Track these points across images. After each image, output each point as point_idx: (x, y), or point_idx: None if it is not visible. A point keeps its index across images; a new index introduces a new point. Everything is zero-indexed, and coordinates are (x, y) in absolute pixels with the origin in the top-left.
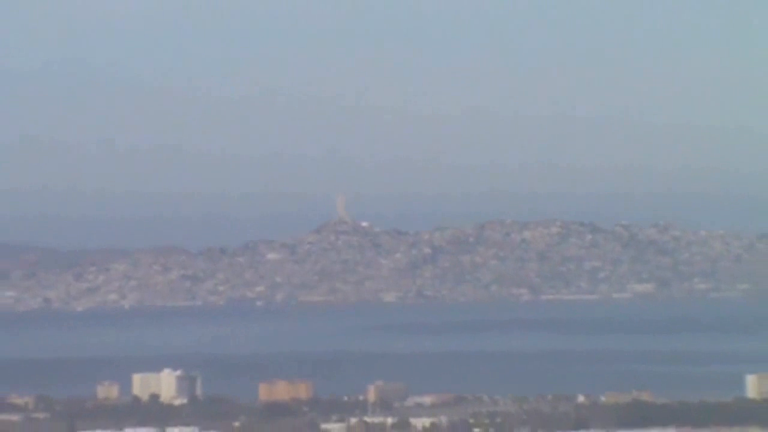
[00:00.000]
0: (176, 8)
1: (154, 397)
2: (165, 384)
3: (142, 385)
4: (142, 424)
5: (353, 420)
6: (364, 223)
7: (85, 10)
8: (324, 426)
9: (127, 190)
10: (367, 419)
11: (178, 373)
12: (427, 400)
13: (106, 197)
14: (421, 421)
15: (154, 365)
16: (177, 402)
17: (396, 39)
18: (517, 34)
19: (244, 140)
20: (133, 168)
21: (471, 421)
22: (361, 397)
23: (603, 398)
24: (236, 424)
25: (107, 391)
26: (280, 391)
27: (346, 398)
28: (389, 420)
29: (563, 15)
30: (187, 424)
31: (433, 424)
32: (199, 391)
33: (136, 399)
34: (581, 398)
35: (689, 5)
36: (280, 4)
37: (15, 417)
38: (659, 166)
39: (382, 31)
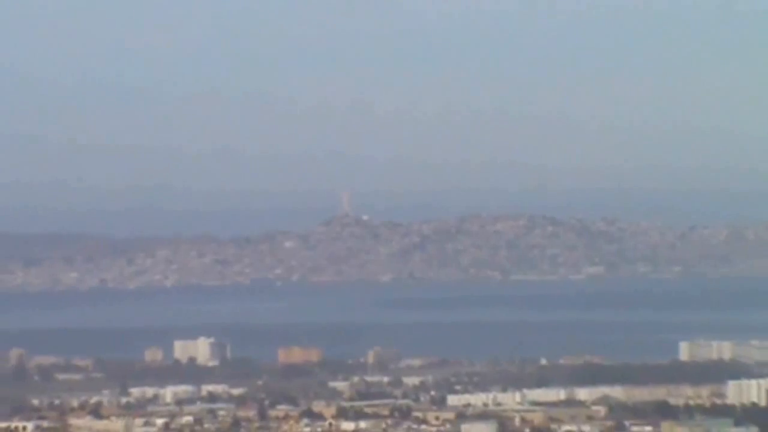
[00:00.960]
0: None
1: (192, 360)
2: (200, 349)
3: (181, 350)
4: (181, 382)
5: (355, 379)
6: (365, 217)
7: None
8: (331, 384)
9: (167, 187)
10: (367, 378)
11: (211, 340)
12: (416, 362)
13: (151, 193)
14: (411, 380)
15: (191, 334)
16: (210, 364)
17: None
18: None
19: (262, 141)
20: (176, 167)
21: (452, 379)
22: (362, 360)
23: (561, 361)
24: (259, 382)
25: (153, 355)
26: (295, 355)
27: (349, 361)
28: (385, 379)
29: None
30: (219, 383)
31: (421, 382)
32: (228, 355)
33: (177, 362)
34: (543, 361)
35: None
36: None
37: (77, 376)
38: (608, 165)
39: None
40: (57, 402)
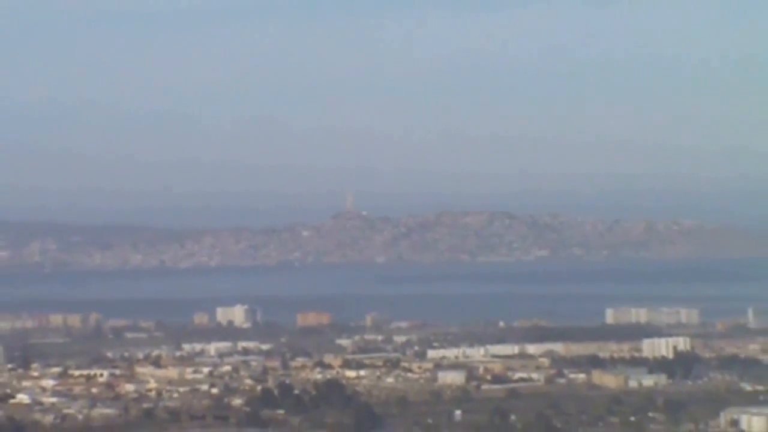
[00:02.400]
0: None
1: (230, 323)
2: (237, 314)
3: (222, 315)
4: (222, 340)
5: (356, 337)
6: (364, 213)
7: None
8: (338, 341)
9: (213, 191)
10: (366, 337)
11: (245, 307)
12: (403, 324)
13: (201, 195)
14: (399, 338)
15: (230, 302)
16: (244, 326)
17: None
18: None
19: (288, 155)
20: (225, 176)
21: (431, 338)
22: (361, 323)
23: (515, 323)
24: (282, 339)
25: (200, 318)
26: (310, 318)
27: (352, 323)
28: (379, 337)
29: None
30: (251, 340)
31: (407, 340)
32: (258, 319)
33: (219, 324)
34: (501, 323)
35: None
36: None
37: (142, 335)
38: (551, 173)
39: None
40: (126, 355)
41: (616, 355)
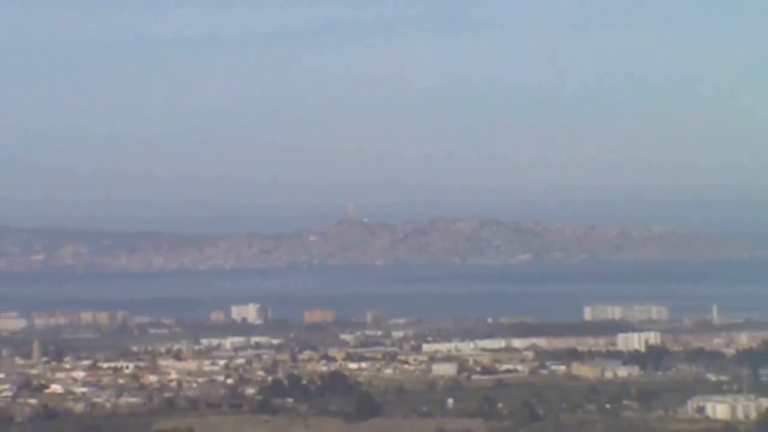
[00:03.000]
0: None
1: (244, 320)
2: (250, 312)
3: (236, 312)
4: (236, 335)
5: (358, 333)
6: (365, 220)
7: None
8: (341, 336)
9: (230, 202)
10: (366, 332)
11: (258, 305)
12: (401, 321)
13: (217, 206)
14: (397, 333)
15: (243, 301)
16: (257, 322)
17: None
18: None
19: (297, 171)
20: (240, 189)
21: (426, 333)
22: (362, 319)
23: (502, 320)
24: (291, 335)
25: (217, 315)
26: (316, 315)
27: (354, 320)
28: (379, 332)
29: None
30: (263, 335)
31: (404, 335)
32: (269, 316)
33: (233, 321)
34: (489, 320)
35: None
36: None
37: (164, 331)
38: (533, 188)
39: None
40: (149, 349)
41: (593, 349)
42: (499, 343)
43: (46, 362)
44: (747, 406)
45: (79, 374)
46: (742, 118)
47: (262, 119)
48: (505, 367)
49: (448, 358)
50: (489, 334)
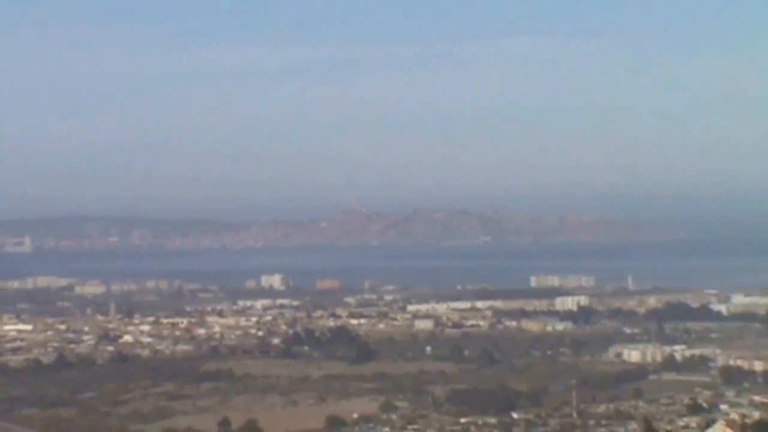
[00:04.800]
0: None
1: (271, 286)
2: (275, 280)
3: (265, 281)
4: (265, 298)
5: (358, 296)
6: (364, 210)
7: None
8: (345, 299)
9: (258, 194)
10: (365, 296)
11: (281, 276)
12: (390, 287)
13: (252, 199)
14: (388, 297)
15: (270, 272)
16: (281, 288)
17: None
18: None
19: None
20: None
21: (410, 297)
22: (361, 286)
23: (468, 287)
24: (307, 298)
25: (250, 283)
26: (326, 283)
27: (355, 286)
28: (374, 296)
29: None
30: (285, 298)
31: (393, 298)
32: (290, 284)
33: (263, 287)
34: (458, 287)
35: None
36: None
37: (210, 295)
38: (494, 185)
39: None
40: (199, 309)
41: (537, 309)
42: (466, 304)
43: (120, 319)
44: (654, 352)
45: (145, 328)
46: (656, 127)
47: (287, 134)
48: (470, 322)
49: (426, 316)
50: (458, 298)
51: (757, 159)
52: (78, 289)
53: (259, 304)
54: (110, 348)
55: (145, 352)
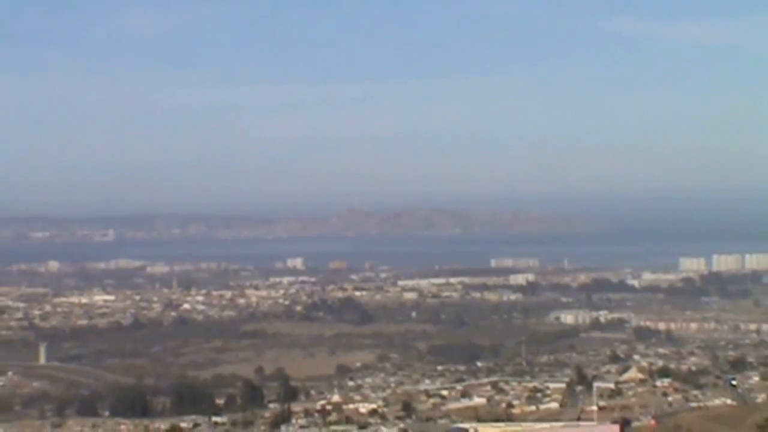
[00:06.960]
0: None
1: (294, 267)
2: (298, 262)
3: (290, 262)
4: (290, 276)
5: (360, 274)
6: (365, 209)
7: None
8: (351, 276)
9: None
10: (365, 274)
11: (302, 258)
12: (385, 267)
13: (272, 198)
14: (383, 275)
15: (294, 256)
16: (302, 268)
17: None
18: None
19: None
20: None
21: (400, 274)
22: (363, 266)
23: (444, 266)
24: (321, 275)
25: (279, 264)
26: (336, 264)
27: (358, 267)
28: (372, 274)
29: None
30: (305, 276)
31: (387, 276)
32: (309, 264)
33: (289, 267)
34: (436, 267)
35: None
36: None
37: (248, 273)
38: (463, 188)
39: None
40: (240, 283)
41: (495, 284)
42: (442, 280)
43: (180, 291)
44: (584, 316)
45: (199, 298)
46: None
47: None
48: (445, 294)
49: (412, 289)
50: (436, 275)
51: (656, 169)
52: (149, 269)
53: (286, 280)
54: (173, 313)
55: (200, 317)
